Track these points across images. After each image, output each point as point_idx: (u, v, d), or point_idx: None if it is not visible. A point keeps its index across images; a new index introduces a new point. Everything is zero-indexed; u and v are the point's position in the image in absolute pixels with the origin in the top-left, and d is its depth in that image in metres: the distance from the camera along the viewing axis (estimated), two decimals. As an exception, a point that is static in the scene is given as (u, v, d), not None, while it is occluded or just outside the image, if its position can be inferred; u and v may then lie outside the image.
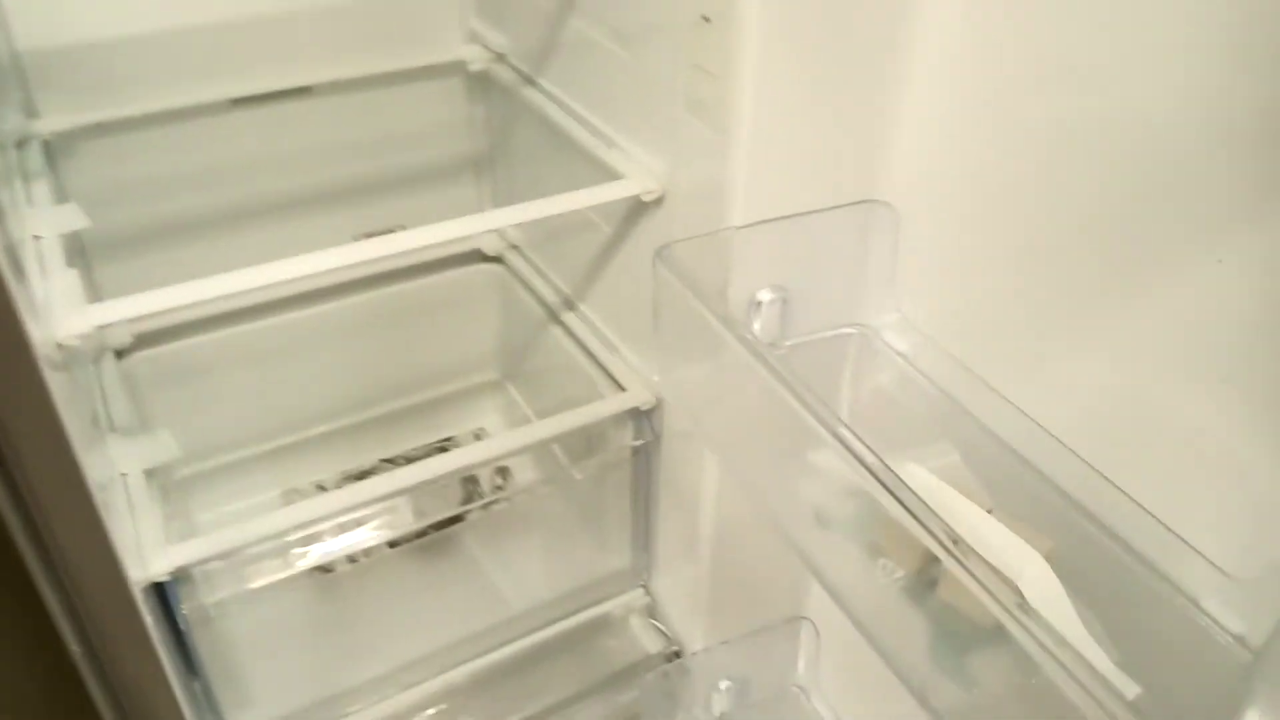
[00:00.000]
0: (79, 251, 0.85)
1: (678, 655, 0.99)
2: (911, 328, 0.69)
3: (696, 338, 0.64)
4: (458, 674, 0.95)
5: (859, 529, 0.57)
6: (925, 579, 0.54)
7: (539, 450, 0.98)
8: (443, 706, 0.95)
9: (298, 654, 0.92)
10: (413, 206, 1.08)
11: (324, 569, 0.92)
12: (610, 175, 0.79)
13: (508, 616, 0.98)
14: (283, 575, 0.78)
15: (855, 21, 0.63)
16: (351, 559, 0.88)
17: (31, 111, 0.87)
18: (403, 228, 0.71)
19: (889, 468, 0.48)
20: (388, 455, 1.21)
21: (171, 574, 0.71)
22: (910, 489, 0.47)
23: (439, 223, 0.72)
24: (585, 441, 0.94)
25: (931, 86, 0.63)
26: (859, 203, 0.69)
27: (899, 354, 0.69)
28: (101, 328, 0.62)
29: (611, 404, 0.89)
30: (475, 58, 1.02)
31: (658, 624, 1.01)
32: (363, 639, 0.96)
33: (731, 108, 0.64)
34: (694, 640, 0.96)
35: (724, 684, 0.90)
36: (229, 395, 1.06)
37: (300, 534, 0.80)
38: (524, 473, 1.01)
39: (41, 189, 0.80)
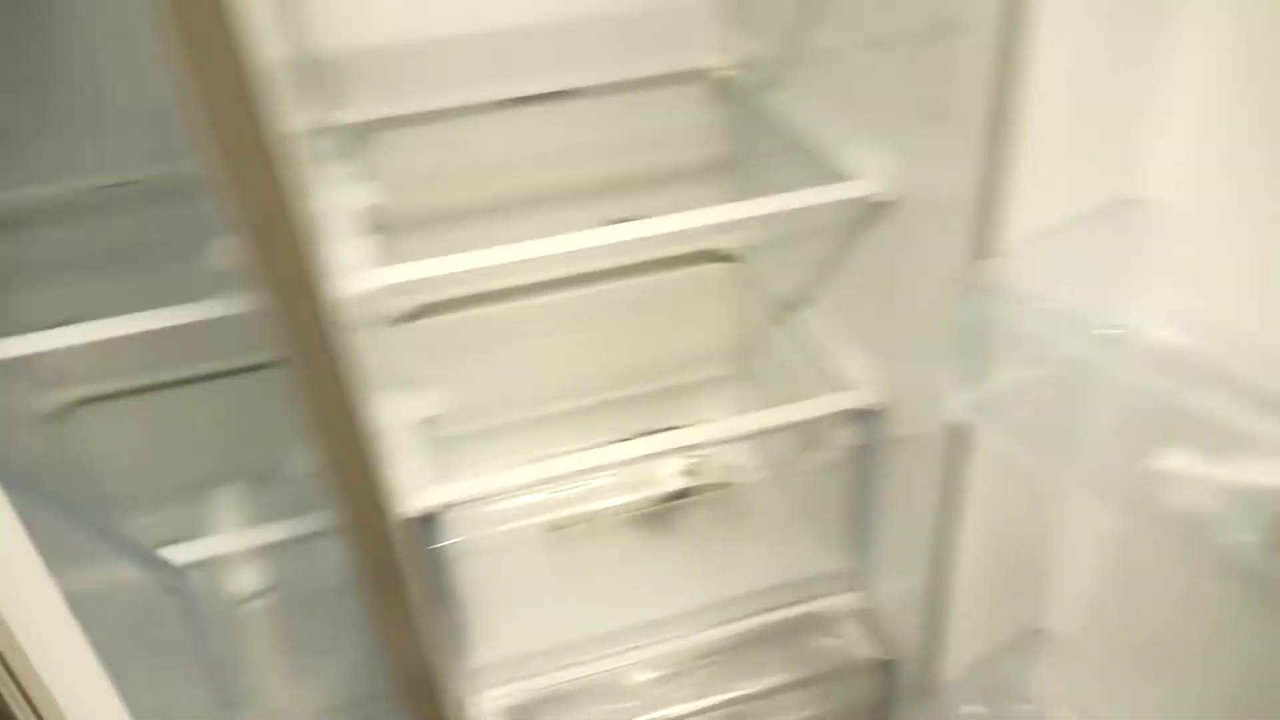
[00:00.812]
0: (377, 228, 0.98)
1: (889, 663, 0.98)
2: (1184, 322, 0.66)
3: (1017, 352, 0.65)
4: (669, 646, 0.99)
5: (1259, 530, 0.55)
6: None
7: (761, 441, 1.01)
8: (652, 675, 1.00)
9: (527, 603, 1.00)
10: (659, 205, 1.14)
11: (556, 526, 1.00)
12: (845, 178, 0.81)
13: (721, 598, 1.02)
14: (520, 524, 0.86)
15: (1113, 22, 0.61)
16: (581, 521, 0.96)
17: (340, 103, 1.01)
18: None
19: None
20: (620, 439, 1.29)
21: (432, 510, 0.80)
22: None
23: (670, 215, 0.78)
24: (810, 438, 0.95)
25: (1194, 75, 0.60)
26: (1117, 202, 0.67)
27: (1177, 349, 0.66)
28: (388, 288, 0.72)
29: (833, 401, 0.90)
30: (721, 64, 1.07)
31: (871, 629, 1.01)
32: (584, 599, 1.02)
33: (974, 113, 0.64)
34: (909, 648, 0.95)
35: (968, 709, 0.89)
36: (487, 366, 1.17)
37: (541, 492, 0.88)
38: (748, 464, 1.04)
39: (344, 170, 0.93)
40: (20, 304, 0.98)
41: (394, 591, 0.77)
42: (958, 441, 0.76)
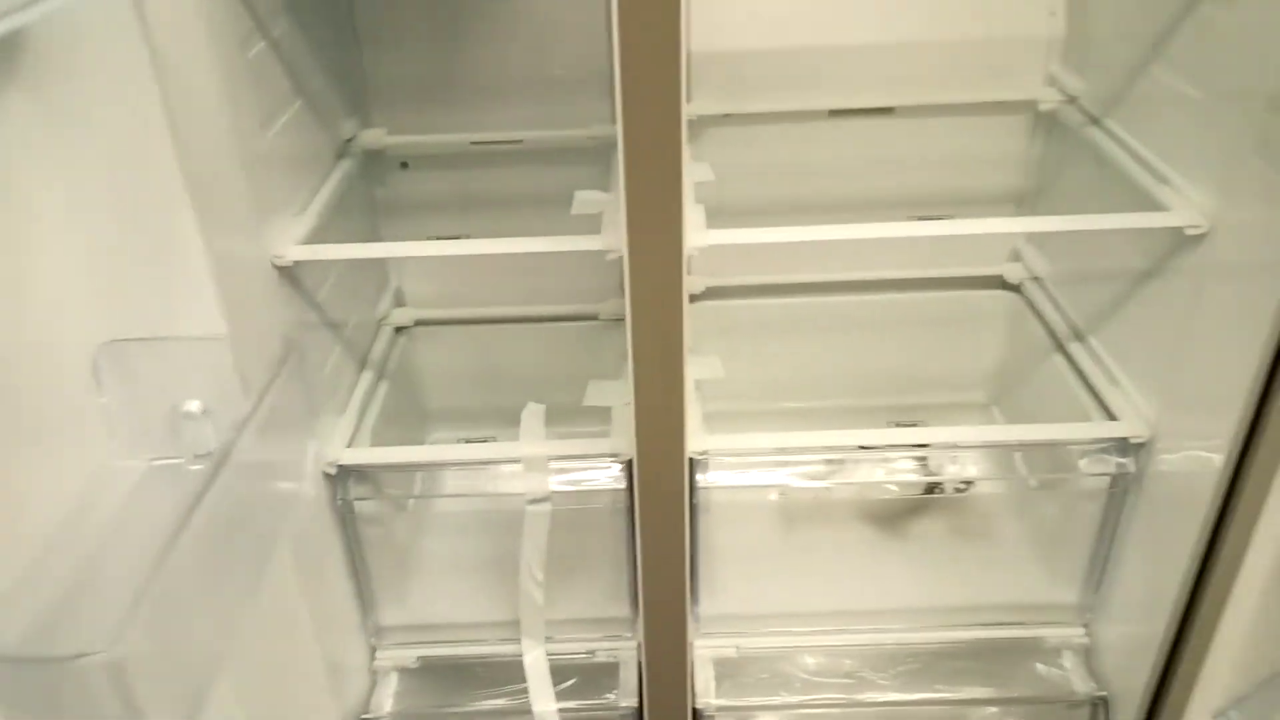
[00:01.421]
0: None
1: (1105, 700, 0.98)
2: None
3: None
4: (876, 638, 1.04)
5: None
6: None
7: (1009, 458, 1.04)
8: (855, 661, 1.05)
9: (751, 567, 1.08)
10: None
11: (792, 500, 1.08)
12: (1158, 210, 0.84)
13: (936, 604, 1.05)
14: (762, 486, 0.95)
15: None
16: (818, 499, 1.02)
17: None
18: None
19: None
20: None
21: (697, 455, 0.89)
22: None
23: (964, 219, 0.84)
24: (1062, 463, 0.97)
25: None
26: None
27: None
28: (711, 246, 0.83)
29: (1092, 428, 0.92)
30: (1048, 99, 1.10)
31: (1090, 664, 1.01)
32: (805, 576, 1.08)
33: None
34: (1132, 690, 0.94)
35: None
36: (749, 355, 1.23)
37: (786, 462, 0.96)
38: (991, 479, 1.07)
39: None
40: (398, 228, 1.20)
41: (669, 523, 0.87)
42: (1249, 482, 0.76)
